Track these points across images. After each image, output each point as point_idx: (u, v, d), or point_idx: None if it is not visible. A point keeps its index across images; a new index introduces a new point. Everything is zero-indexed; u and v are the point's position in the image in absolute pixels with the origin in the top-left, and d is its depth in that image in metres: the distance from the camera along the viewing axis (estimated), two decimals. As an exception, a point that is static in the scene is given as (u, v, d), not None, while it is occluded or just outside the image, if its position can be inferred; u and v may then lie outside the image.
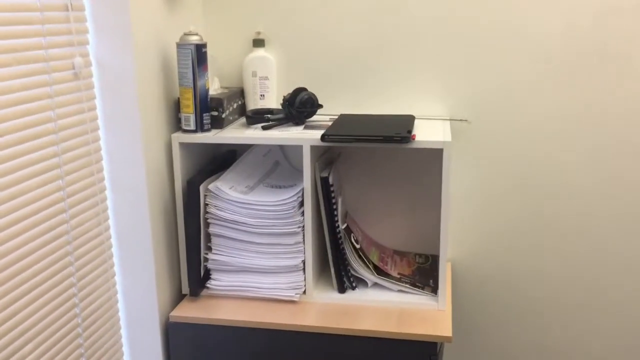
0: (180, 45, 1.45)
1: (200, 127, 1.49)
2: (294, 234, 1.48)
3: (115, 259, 1.44)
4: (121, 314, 1.47)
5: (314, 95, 1.58)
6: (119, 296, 1.46)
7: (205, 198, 1.49)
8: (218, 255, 1.52)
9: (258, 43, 1.67)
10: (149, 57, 1.41)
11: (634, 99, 1.56)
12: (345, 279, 1.53)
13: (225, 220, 1.49)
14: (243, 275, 1.52)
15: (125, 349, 1.49)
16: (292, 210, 1.47)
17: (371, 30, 1.64)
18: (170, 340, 1.50)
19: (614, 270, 1.68)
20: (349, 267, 1.53)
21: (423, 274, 1.60)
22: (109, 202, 1.41)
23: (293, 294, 1.51)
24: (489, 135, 1.65)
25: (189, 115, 1.48)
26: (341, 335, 1.41)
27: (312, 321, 1.43)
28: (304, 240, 1.49)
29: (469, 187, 1.69)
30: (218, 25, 1.71)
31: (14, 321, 1.12)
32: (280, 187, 1.56)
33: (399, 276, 1.57)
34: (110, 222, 1.42)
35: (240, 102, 1.68)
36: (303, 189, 1.47)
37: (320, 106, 1.59)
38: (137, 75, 1.35)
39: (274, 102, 1.68)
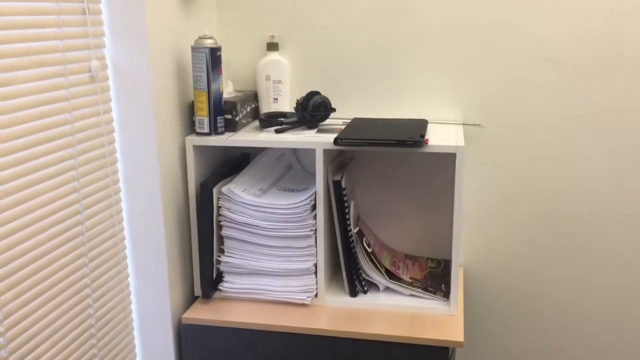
0: (195, 49, 1.46)
1: (214, 130, 1.50)
2: (306, 237, 1.49)
3: (129, 261, 1.45)
4: (134, 315, 1.48)
5: (327, 98, 1.58)
6: (132, 297, 1.47)
7: (218, 200, 1.50)
8: (230, 258, 1.52)
9: (272, 47, 1.68)
10: (164, 60, 1.42)
11: (649, 105, 1.55)
12: (357, 283, 1.53)
13: (238, 222, 1.50)
14: (255, 278, 1.53)
15: (137, 350, 1.51)
16: (304, 214, 1.47)
17: (385, 34, 1.64)
18: (182, 341, 1.50)
19: (629, 276, 1.66)
20: (360, 271, 1.53)
21: (435, 279, 1.60)
22: (123, 204, 1.42)
23: (305, 297, 1.51)
24: (501, 140, 1.64)
25: (203, 118, 1.49)
26: (352, 339, 1.41)
27: (324, 325, 1.43)
28: (316, 243, 1.49)
29: (482, 192, 1.68)
30: (232, 29, 1.72)
31: (29, 321, 1.13)
32: (292, 190, 1.57)
33: (410, 280, 1.57)
34: (125, 223, 1.43)
35: (253, 106, 1.68)
36: (315, 193, 1.48)
37: (333, 110, 1.59)
38: (152, 79, 1.36)
39: (287, 105, 1.69)
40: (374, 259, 1.55)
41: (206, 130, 1.50)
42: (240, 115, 1.57)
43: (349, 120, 1.62)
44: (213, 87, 1.47)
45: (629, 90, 1.56)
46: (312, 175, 1.58)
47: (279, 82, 1.67)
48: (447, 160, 1.55)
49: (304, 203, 1.47)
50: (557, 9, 1.54)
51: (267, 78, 1.67)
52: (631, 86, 1.55)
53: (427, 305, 1.49)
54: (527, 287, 1.72)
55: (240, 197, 1.48)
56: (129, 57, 1.34)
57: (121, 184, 1.41)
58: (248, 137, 1.51)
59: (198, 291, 1.56)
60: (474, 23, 1.59)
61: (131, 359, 1.47)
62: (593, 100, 1.58)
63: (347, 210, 1.49)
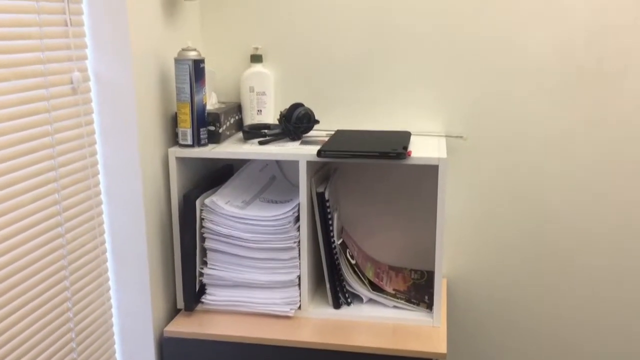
0: (178, 61, 1.46)
1: (197, 142, 1.50)
2: (290, 249, 1.48)
3: (110, 273, 1.44)
4: (115, 328, 1.47)
5: (310, 110, 1.59)
6: (114, 310, 1.46)
7: (201, 212, 1.49)
8: (213, 270, 1.51)
9: (256, 59, 1.68)
10: (147, 72, 1.42)
11: (629, 114, 1.57)
12: (340, 295, 1.53)
13: (221, 234, 1.49)
14: (238, 290, 1.52)
15: (119, 363, 1.49)
16: (287, 225, 1.47)
17: (368, 46, 1.65)
18: (165, 355, 1.49)
19: (611, 287, 1.68)
20: (344, 283, 1.53)
21: (418, 290, 1.60)
22: (104, 216, 1.41)
23: (288, 309, 1.50)
24: (484, 152, 1.66)
25: (186, 130, 1.48)
26: (336, 351, 1.40)
27: (307, 337, 1.43)
28: (299, 255, 1.49)
29: (465, 204, 1.69)
30: (216, 41, 1.72)
31: (8, 335, 1.11)
32: (276, 202, 1.57)
33: (394, 292, 1.57)
34: (106, 235, 1.42)
35: (237, 117, 1.68)
36: (299, 204, 1.48)
37: (317, 122, 1.60)
38: (135, 90, 1.35)
39: (271, 117, 1.69)
40: (357, 271, 1.55)
41: (189, 141, 1.49)
42: (224, 126, 1.57)
43: (333, 132, 1.63)
44: (196, 98, 1.47)
45: (610, 102, 1.58)
46: (295, 187, 1.58)
47: (263, 93, 1.67)
48: (430, 171, 1.56)
49: (287, 215, 1.47)
50: (538, 21, 1.56)
51: (251, 90, 1.67)
52: (614, 98, 1.57)
53: (410, 316, 1.49)
54: (511, 298, 1.73)
55: (223, 209, 1.48)
56: (111, 68, 1.34)
57: (103, 196, 1.40)
58: (231, 148, 1.51)
59: (180, 304, 1.55)
60: (458, 36, 1.61)
61: (112, 373, 1.46)
62: (575, 111, 1.60)
63: (330, 222, 1.49)
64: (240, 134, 1.65)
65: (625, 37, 1.53)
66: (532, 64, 1.59)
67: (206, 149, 1.50)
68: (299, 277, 1.50)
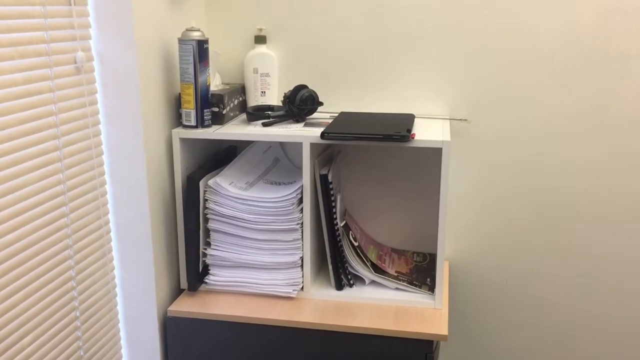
0: (181, 41, 1.45)
1: (200, 123, 1.49)
2: (293, 230, 1.49)
3: (114, 253, 1.45)
4: (119, 308, 1.48)
5: (314, 92, 1.58)
6: (118, 290, 1.47)
7: (204, 194, 1.50)
8: (217, 251, 1.52)
9: (260, 40, 1.67)
10: (151, 52, 1.41)
11: (636, 100, 1.57)
12: (342, 276, 1.54)
13: (225, 216, 1.49)
14: (241, 271, 1.53)
15: (123, 342, 1.50)
16: (291, 207, 1.47)
17: (373, 28, 1.64)
18: (168, 334, 1.50)
19: (612, 272, 1.68)
20: (346, 265, 1.53)
21: (420, 273, 1.61)
22: (109, 197, 1.41)
23: (290, 291, 1.51)
24: (488, 135, 1.65)
25: (189, 110, 1.48)
26: (338, 332, 1.42)
27: (309, 318, 1.44)
28: (302, 237, 1.50)
29: (468, 187, 1.69)
30: (220, 22, 1.71)
31: (13, 314, 1.12)
32: (279, 183, 1.57)
33: (396, 274, 1.58)
34: (110, 216, 1.42)
35: (241, 99, 1.68)
36: (302, 186, 1.48)
37: (321, 104, 1.60)
38: (138, 71, 1.35)
39: (274, 99, 1.69)
40: (360, 253, 1.55)
41: (193, 123, 1.49)
42: (228, 108, 1.57)
43: (337, 114, 1.62)
44: (200, 79, 1.46)
45: (616, 87, 1.57)
46: (299, 169, 1.58)
47: (267, 75, 1.67)
48: (433, 154, 1.56)
49: (290, 196, 1.47)
50: (546, 4, 1.55)
51: (255, 71, 1.67)
52: (621, 83, 1.56)
53: (412, 298, 1.50)
54: (512, 281, 1.74)
55: (226, 190, 1.48)
56: (115, 48, 1.33)
57: (107, 177, 1.40)
58: (235, 130, 1.51)
59: (184, 284, 1.56)
60: (463, 18, 1.59)
61: (116, 352, 1.47)
62: (581, 96, 1.59)
63: (333, 204, 1.49)
64: (244, 116, 1.64)
65: (633, 21, 1.52)
66: (539, 47, 1.58)
67: (210, 130, 1.50)
68: (301, 259, 1.51)
